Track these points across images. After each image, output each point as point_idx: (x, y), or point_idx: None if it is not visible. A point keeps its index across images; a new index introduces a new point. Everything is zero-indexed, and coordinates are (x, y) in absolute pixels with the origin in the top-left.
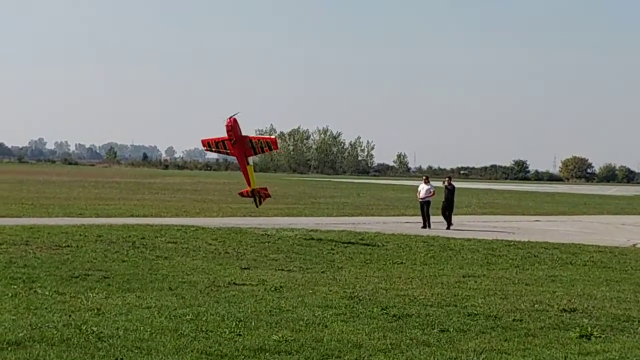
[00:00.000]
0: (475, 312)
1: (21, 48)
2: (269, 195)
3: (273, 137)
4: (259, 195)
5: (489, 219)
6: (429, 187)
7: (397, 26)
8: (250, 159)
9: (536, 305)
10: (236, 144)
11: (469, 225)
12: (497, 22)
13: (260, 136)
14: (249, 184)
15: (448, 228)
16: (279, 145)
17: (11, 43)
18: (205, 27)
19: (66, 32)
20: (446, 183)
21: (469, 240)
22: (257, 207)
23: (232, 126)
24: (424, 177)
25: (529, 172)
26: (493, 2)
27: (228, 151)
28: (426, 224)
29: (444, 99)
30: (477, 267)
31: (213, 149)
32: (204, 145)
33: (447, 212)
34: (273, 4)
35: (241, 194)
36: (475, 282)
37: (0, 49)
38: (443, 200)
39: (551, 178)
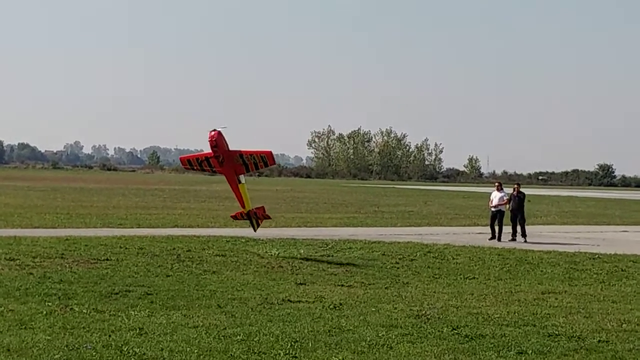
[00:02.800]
0: (556, 332)
1: (54, 46)
2: (267, 217)
3: (268, 150)
4: (255, 217)
5: (571, 229)
6: (503, 194)
7: (464, 21)
8: (242, 177)
9: (624, 325)
10: (224, 162)
11: (549, 236)
12: (583, 21)
13: (252, 150)
14: (243, 206)
15: (513, 239)
16: (275, 160)
17: (44, 42)
18: (266, 29)
19: (99, 30)
20: (515, 192)
21: (548, 252)
22: (255, 230)
23: (217, 140)
24: (496, 184)
25: (615, 177)
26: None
27: (213, 169)
28: (495, 235)
29: (519, 97)
30: (558, 282)
31: (195, 168)
32: (183, 164)
33: (520, 222)
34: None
35: (234, 217)
36: (556, 299)
37: (32, 48)
38: (510, 209)
39: None
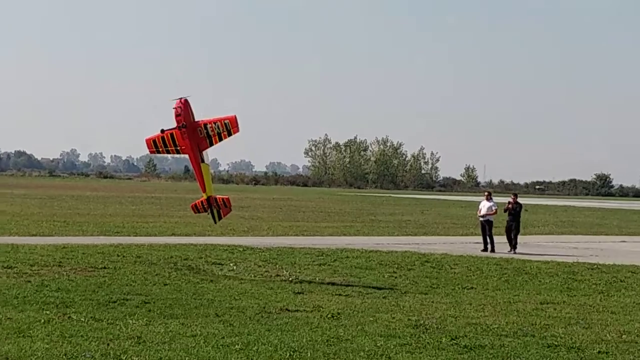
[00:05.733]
0: (556, 343)
1: (45, 54)
2: (230, 208)
3: (232, 115)
4: (217, 207)
5: (569, 239)
6: (491, 204)
7: (459, 30)
8: (206, 156)
9: (624, 336)
10: (187, 133)
11: (547, 247)
12: (575, 30)
13: (215, 118)
14: (204, 189)
15: (511, 251)
16: (239, 127)
17: (31, 50)
18: (263, 36)
19: (88, 40)
20: (512, 201)
21: (546, 263)
22: (215, 222)
23: (183, 109)
24: (485, 193)
25: (612, 187)
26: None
27: (179, 147)
28: (487, 246)
29: (516, 106)
30: (557, 293)
31: (160, 149)
32: (149, 147)
33: (513, 233)
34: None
35: (194, 208)
36: (555, 309)
37: (25, 56)
38: (507, 219)
39: (638, 194)
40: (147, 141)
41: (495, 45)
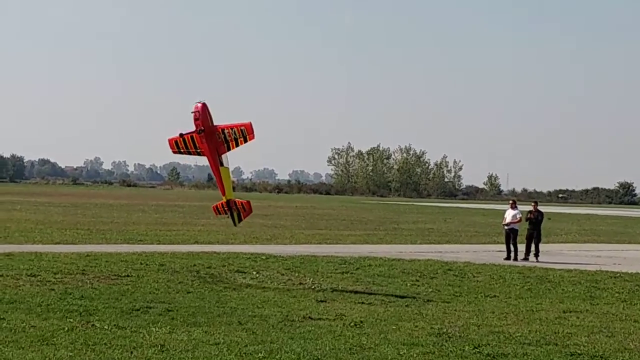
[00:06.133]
0: (579, 351)
1: (72, 61)
2: (250, 211)
3: (247, 122)
4: (237, 210)
5: (592, 247)
6: (516, 212)
7: (482, 39)
8: (226, 159)
9: None
10: (205, 137)
11: (569, 255)
12: (608, 38)
13: (231, 124)
14: (223, 193)
15: (526, 258)
16: (254, 134)
17: (61, 57)
18: (289, 46)
19: (118, 45)
20: (533, 211)
21: (569, 271)
22: (235, 225)
23: (201, 113)
24: (510, 201)
25: (636, 195)
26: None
27: (198, 150)
28: (510, 254)
29: (539, 114)
30: (579, 301)
31: (182, 150)
32: (171, 147)
33: (535, 241)
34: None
35: (216, 210)
36: (578, 318)
37: (52, 64)
38: (528, 227)
39: None
40: (170, 141)
41: (519, 53)
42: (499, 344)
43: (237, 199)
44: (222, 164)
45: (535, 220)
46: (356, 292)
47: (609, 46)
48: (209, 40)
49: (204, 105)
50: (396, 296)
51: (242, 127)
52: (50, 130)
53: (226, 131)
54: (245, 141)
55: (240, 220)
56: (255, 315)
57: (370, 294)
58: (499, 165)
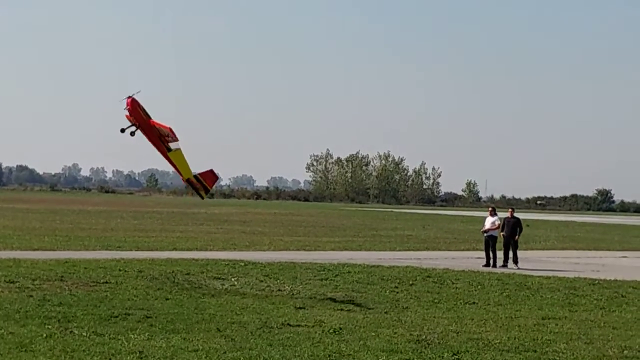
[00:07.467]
0: (557, 358)
1: (48, 68)
2: (215, 178)
3: (168, 126)
4: (199, 184)
5: (570, 254)
6: (495, 219)
7: (462, 45)
8: (173, 144)
9: (625, 352)
10: (143, 130)
11: (548, 262)
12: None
13: (159, 122)
14: (182, 174)
15: (505, 265)
16: (178, 138)
17: (35, 65)
18: (265, 50)
19: (90, 53)
20: (509, 216)
21: (548, 278)
22: (202, 198)
23: (132, 109)
24: (489, 208)
25: (614, 202)
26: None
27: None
28: (490, 261)
29: (518, 121)
30: (558, 308)
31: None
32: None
33: (512, 247)
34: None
35: (189, 183)
36: (556, 325)
37: (29, 70)
38: (503, 234)
39: (639, 209)
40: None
41: (499, 59)
42: (477, 351)
43: (198, 174)
44: (169, 149)
45: (512, 227)
46: (335, 299)
47: (587, 53)
48: (175, 41)
49: (133, 100)
50: (375, 303)
51: (165, 129)
52: (29, 136)
53: (160, 128)
54: (172, 141)
55: (207, 192)
56: (234, 322)
57: (349, 301)
58: (478, 172)
